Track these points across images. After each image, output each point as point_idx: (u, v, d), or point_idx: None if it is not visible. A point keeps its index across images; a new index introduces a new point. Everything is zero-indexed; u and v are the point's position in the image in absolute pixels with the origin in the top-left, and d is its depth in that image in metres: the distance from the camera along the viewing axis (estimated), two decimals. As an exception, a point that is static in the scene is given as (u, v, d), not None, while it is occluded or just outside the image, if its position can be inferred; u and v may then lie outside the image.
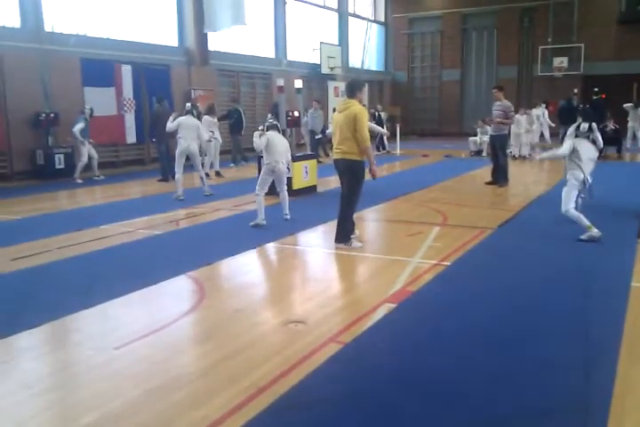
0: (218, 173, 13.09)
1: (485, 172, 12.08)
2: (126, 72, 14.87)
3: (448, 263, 5.70)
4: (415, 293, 4.84)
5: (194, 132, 9.67)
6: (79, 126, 12.21)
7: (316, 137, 16.03)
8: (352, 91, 6.20)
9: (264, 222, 7.52)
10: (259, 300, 4.96)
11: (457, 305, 4.62)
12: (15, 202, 10.02)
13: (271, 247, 6.66)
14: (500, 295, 4.83)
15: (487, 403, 3.09)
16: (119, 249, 6.58)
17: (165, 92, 15.05)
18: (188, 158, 9.82)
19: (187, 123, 9.61)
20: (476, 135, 17.77)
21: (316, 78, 22.61)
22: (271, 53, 20.91)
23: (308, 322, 4.21)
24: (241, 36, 18.72)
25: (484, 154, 16.52)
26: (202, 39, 16.89)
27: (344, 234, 6.46)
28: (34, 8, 12.77)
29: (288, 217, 7.90)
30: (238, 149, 15.35)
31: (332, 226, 7.76)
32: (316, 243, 7.13)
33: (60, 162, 12.75)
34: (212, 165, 13.13)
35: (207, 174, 12.61)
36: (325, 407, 3.07)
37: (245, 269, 5.89)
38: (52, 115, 12.69)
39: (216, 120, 13.20)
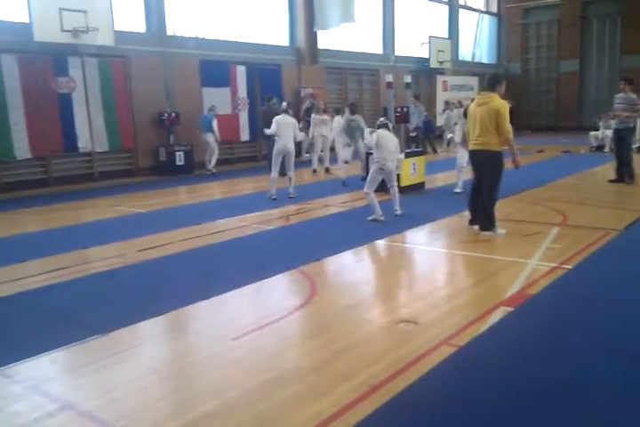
0: (327, 170, 13.20)
1: (608, 168, 11.28)
2: (241, 72, 15.45)
3: (569, 267, 5.38)
4: (534, 297, 4.62)
5: (290, 131, 9.51)
6: (215, 122, 13.25)
7: (411, 134, 15.79)
8: (493, 84, 6.45)
9: (382, 218, 7.62)
10: (369, 297, 4.96)
11: (580, 312, 4.34)
12: (140, 196, 10.75)
13: (380, 244, 6.63)
14: (630, 303, 4.48)
15: (615, 419, 2.88)
16: (234, 243, 6.85)
17: (276, 90, 15.46)
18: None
19: (283, 121, 9.49)
20: (597, 129, 16.64)
21: (424, 73, 22.23)
22: (379, 49, 20.83)
23: (420, 322, 4.14)
24: (349, 33, 18.79)
25: (607, 150, 15.43)
26: (312, 38, 17.17)
27: (489, 222, 6.65)
28: (157, 13, 13.61)
29: (399, 212, 7.88)
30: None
31: (441, 224, 7.63)
32: (425, 241, 7.02)
33: (180, 159, 13.55)
34: (321, 161, 13.32)
35: (315, 171, 12.85)
36: (438, 411, 3.01)
37: (355, 265, 5.91)
38: (174, 114, 13.50)
39: (324, 117, 13.28)
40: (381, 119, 8.29)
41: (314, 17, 16.78)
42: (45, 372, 3.60)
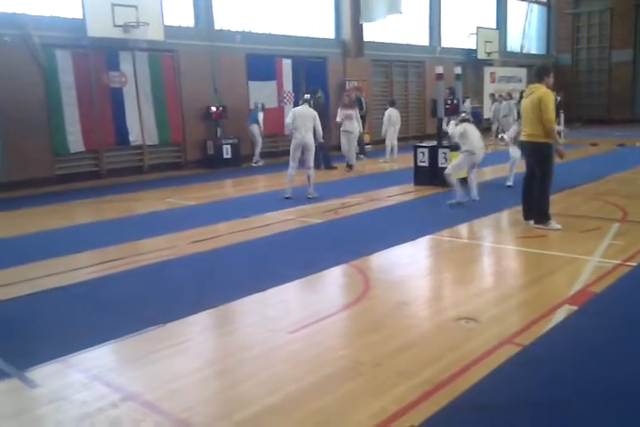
0: (350, 166, 12.67)
1: (669, 163, 10.80)
2: (286, 66, 15.44)
3: (634, 264, 5.15)
4: (599, 295, 4.43)
5: (310, 124, 8.90)
6: (262, 116, 13.52)
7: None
8: (539, 75, 6.42)
9: (465, 199, 8.01)
10: (425, 293, 4.87)
11: (649, 311, 4.15)
12: (189, 189, 10.87)
13: (432, 239, 6.51)
14: (703, 303, 4.26)
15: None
16: (283, 236, 6.84)
17: (322, 84, 15.40)
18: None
19: (302, 113, 8.93)
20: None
21: (471, 64, 21.76)
22: (424, 41, 20.49)
23: (480, 320, 4.03)
24: (394, 25, 18.53)
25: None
26: (357, 30, 17.01)
27: (542, 215, 6.55)
28: (206, 8, 13.71)
29: (477, 198, 8.23)
30: (361, 140, 15.31)
31: (494, 219, 7.46)
32: (479, 236, 6.86)
33: (227, 152, 13.67)
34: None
35: (351, 166, 12.51)
36: (502, 413, 2.91)
37: (407, 260, 5.81)
38: (221, 108, 13.60)
39: (349, 112, 12.57)
40: (462, 114, 8.54)
41: (359, 9, 16.61)
42: (107, 362, 3.66)
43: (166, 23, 12.46)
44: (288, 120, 9.01)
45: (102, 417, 2.93)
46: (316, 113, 9.14)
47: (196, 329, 4.18)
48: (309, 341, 3.81)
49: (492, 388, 3.14)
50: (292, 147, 9.06)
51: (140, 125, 12.65)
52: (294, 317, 4.24)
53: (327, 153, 12.91)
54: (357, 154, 15.01)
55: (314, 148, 9.14)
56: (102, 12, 11.35)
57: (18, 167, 10.84)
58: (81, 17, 11.29)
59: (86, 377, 3.37)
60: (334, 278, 5.31)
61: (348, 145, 12.62)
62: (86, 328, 4.14)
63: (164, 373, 3.43)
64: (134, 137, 12.63)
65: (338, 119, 12.72)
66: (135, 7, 11.70)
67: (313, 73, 16.04)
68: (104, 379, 3.34)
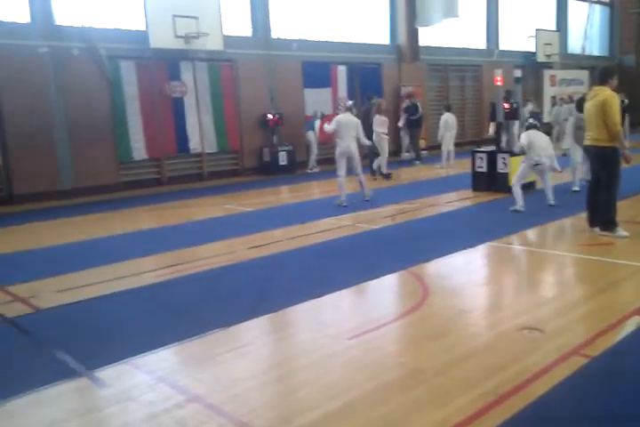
0: (381, 173, 12.17)
1: None
2: (342, 72, 15.52)
3: None
4: (672, 306, 4.23)
5: (352, 132, 8.81)
6: (318, 124, 13.64)
7: (489, 133, 15.04)
8: (603, 78, 6.26)
9: (523, 209, 7.83)
10: (486, 301, 4.76)
11: None
12: (246, 195, 11.06)
13: (494, 246, 6.37)
14: None
15: None
16: (340, 242, 6.85)
17: (376, 89, 15.38)
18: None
19: (345, 121, 8.82)
20: None
21: (531, 67, 21.24)
22: (482, 44, 20.15)
23: (545, 330, 3.91)
24: (450, 29, 18.32)
25: None
26: (413, 35, 16.92)
27: (608, 221, 6.36)
28: (263, 18, 13.96)
29: (553, 202, 8.09)
30: (416, 146, 15.13)
31: (558, 225, 7.23)
32: (542, 243, 6.68)
33: (283, 159, 13.84)
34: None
35: (389, 175, 12.07)
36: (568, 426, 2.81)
37: (468, 267, 5.70)
38: (277, 116, 13.79)
39: (384, 118, 11.99)
40: (530, 120, 8.46)
41: (415, 13, 16.52)
42: (171, 364, 3.76)
43: (225, 33, 12.75)
44: (330, 128, 8.98)
45: (168, 418, 3.00)
46: (359, 121, 9.07)
47: (256, 333, 4.23)
48: (368, 347, 3.80)
49: (558, 401, 3.04)
50: (336, 155, 9.06)
51: (200, 134, 12.99)
52: (352, 323, 4.24)
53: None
54: (414, 160, 14.95)
55: (358, 156, 9.03)
56: (164, 24, 11.73)
57: (86, 174, 11.32)
58: (144, 29, 11.71)
59: (152, 378, 3.47)
60: (392, 285, 5.28)
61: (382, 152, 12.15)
62: (151, 330, 4.27)
63: (226, 376, 3.49)
64: (194, 145, 12.97)
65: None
66: (196, 18, 12.04)
67: (368, 79, 16.05)
68: (169, 380, 3.43)
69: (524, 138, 7.98)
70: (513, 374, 3.28)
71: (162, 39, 11.75)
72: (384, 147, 11.68)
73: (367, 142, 9.30)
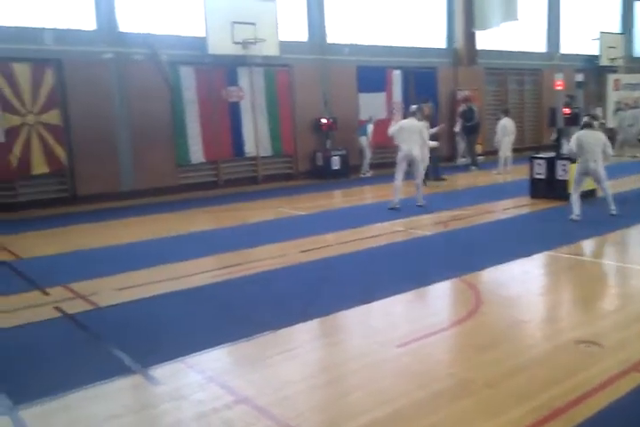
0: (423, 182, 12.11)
1: None
2: (396, 77, 15.43)
3: None
4: None
5: (415, 136, 8.86)
6: (371, 129, 13.66)
7: (551, 138, 14.47)
8: None
9: (579, 218, 7.57)
10: (541, 312, 4.62)
11: None
12: (299, 199, 11.13)
13: (552, 256, 6.18)
14: None
15: None
16: (392, 247, 6.80)
17: (431, 93, 15.21)
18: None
19: (408, 126, 8.90)
20: None
21: (593, 71, 20.51)
22: (542, 47, 19.62)
23: (604, 344, 3.76)
24: (509, 32, 17.92)
25: None
26: (470, 39, 16.65)
27: None
28: (319, 23, 14.06)
29: (614, 212, 7.73)
30: (472, 151, 14.79)
31: (620, 236, 6.95)
32: (603, 253, 6.44)
33: (336, 163, 13.87)
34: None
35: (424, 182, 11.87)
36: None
37: (523, 277, 5.54)
38: (331, 120, 13.85)
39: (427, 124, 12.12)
40: (585, 118, 8.02)
41: (473, 17, 16.26)
42: (222, 364, 3.82)
43: (281, 39, 12.91)
44: (391, 130, 9.05)
45: (216, 418, 3.06)
46: (422, 125, 9.12)
47: (306, 337, 4.26)
48: (418, 355, 3.75)
49: (615, 418, 2.92)
50: (397, 159, 9.14)
51: (255, 138, 13.18)
52: (403, 330, 4.20)
53: (437, 164, 12.70)
54: (470, 165, 14.67)
55: (420, 161, 9.11)
56: (223, 31, 11.98)
57: (146, 177, 11.69)
58: (203, 35, 11.99)
59: (203, 378, 3.54)
60: (444, 292, 5.20)
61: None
62: (204, 330, 4.35)
63: (275, 378, 3.52)
64: (249, 149, 13.18)
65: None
66: (253, 24, 12.25)
67: (423, 83, 15.89)
68: (219, 381, 3.49)
69: (573, 141, 7.64)
70: (568, 389, 3.17)
71: (220, 45, 12.01)
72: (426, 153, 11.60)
73: (433, 144, 9.40)
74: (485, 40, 17.40)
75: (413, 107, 9.54)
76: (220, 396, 3.30)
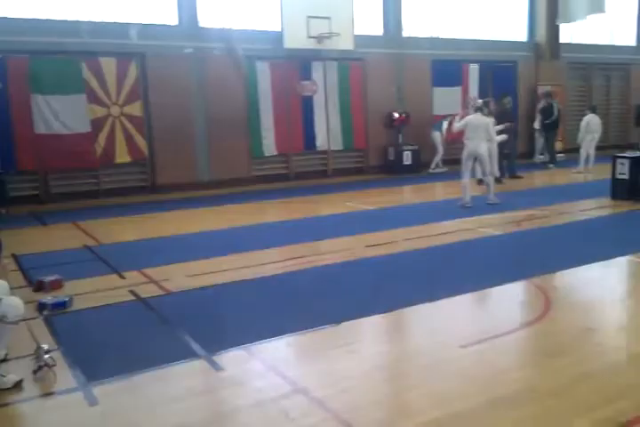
0: (480, 182, 11.07)
1: None
2: (473, 71, 15.05)
3: None
4: None
5: (482, 133, 8.63)
6: (446, 125, 13.42)
7: None
8: None
9: None
10: (616, 320, 4.41)
11: None
12: (368, 194, 11.11)
13: (631, 261, 5.86)
14: None
15: None
16: (459, 246, 6.67)
17: (510, 88, 14.75)
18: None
19: (474, 122, 8.68)
20: None
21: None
22: (631, 41, 18.52)
23: (683, 357, 3.55)
24: (595, 25, 17.02)
25: None
26: (553, 32, 15.97)
27: None
28: (395, 17, 13.90)
29: None
30: (551, 148, 14.12)
31: None
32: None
33: (407, 158, 13.73)
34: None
35: (498, 179, 11.15)
36: None
37: (598, 282, 5.30)
38: (404, 115, 13.71)
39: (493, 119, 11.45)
40: None
41: (557, 9, 15.58)
42: (283, 354, 3.91)
43: (356, 33, 12.87)
44: (458, 126, 8.91)
45: (274, 406, 3.12)
46: (489, 121, 8.93)
47: (367, 332, 4.27)
48: (481, 358, 3.68)
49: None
50: (463, 156, 8.94)
51: (327, 132, 13.25)
52: (466, 331, 4.12)
53: (512, 161, 12.31)
54: (547, 163, 14.11)
55: (487, 157, 8.90)
56: (298, 25, 12.08)
57: (221, 168, 12.02)
58: (279, 30, 12.15)
59: (264, 366, 3.63)
60: (512, 295, 5.05)
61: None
62: (267, 319, 4.44)
63: (334, 371, 3.56)
64: (320, 142, 13.27)
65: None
66: (329, 19, 12.28)
67: (501, 78, 15.42)
68: (279, 370, 3.56)
69: None
70: (636, 403, 3.02)
71: (295, 40, 12.12)
72: (494, 149, 11.23)
73: (501, 138, 9.17)
74: (569, 33, 16.63)
75: (479, 101, 9.31)
76: (279, 385, 3.37)
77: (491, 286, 5.09)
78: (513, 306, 4.78)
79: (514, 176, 12.10)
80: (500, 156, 11.28)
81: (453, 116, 12.86)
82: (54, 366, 3.55)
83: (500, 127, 10.69)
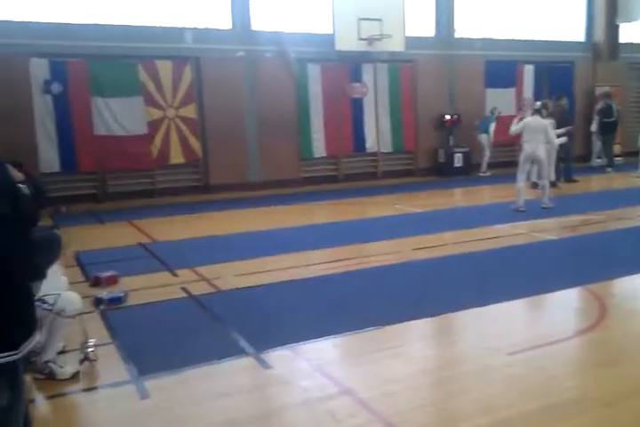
0: (535, 185, 10.61)
1: None
2: (528, 72, 14.73)
3: None
4: None
5: (540, 135, 8.46)
6: (493, 126, 13.17)
7: None
8: None
9: None
10: (675, 330, 4.23)
11: None
12: (417, 196, 11.03)
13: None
14: None
15: None
16: (510, 251, 6.53)
17: (567, 90, 14.33)
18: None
19: (532, 124, 8.52)
20: None
21: None
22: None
23: None
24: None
25: None
26: (612, 31, 15.46)
27: None
28: (447, 18, 13.75)
29: None
30: (609, 151, 13.56)
31: None
32: None
33: (458, 160, 13.56)
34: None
35: (553, 183, 10.79)
36: None
37: (657, 291, 5.12)
38: (455, 116, 13.53)
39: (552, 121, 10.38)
40: None
41: (616, 9, 15.07)
42: (329, 355, 3.92)
43: (407, 34, 12.79)
44: (515, 129, 8.73)
45: (320, 406, 3.15)
46: (547, 123, 8.72)
47: (414, 336, 4.24)
48: (530, 365, 3.60)
49: None
50: (520, 159, 8.78)
51: (377, 134, 13.24)
52: (516, 337, 4.04)
53: (569, 164, 11.95)
54: (605, 166, 13.64)
55: (546, 161, 8.72)
56: (350, 27, 12.11)
57: (270, 169, 12.19)
58: (330, 32, 12.20)
59: (310, 366, 3.66)
60: (565, 301, 4.91)
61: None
62: (313, 320, 4.48)
63: (379, 374, 3.55)
64: (370, 144, 13.26)
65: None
66: (380, 20, 12.26)
67: (557, 79, 15.02)
68: (325, 371, 3.58)
69: None
70: (699, 417, 2.90)
71: (346, 42, 12.15)
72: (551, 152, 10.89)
73: (561, 140, 9.03)
74: (629, 33, 16.04)
75: (538, 103, 9.05)
76: (325, 386, 3.40)
77: (543, 292, 4.97)
78: (566, 313, 4.65)
79: (570, 180, 11.75)
80: (557, 159, 11.00)
81: (505, 117, 12.61)
82: (95, 360, 3.69)
83: (561, 131, 10.41)
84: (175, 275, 5.84)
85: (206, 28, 11.55)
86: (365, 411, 3.09)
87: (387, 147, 13.46)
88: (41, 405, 3.35)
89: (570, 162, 11.98)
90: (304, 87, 12.41)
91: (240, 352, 3.87)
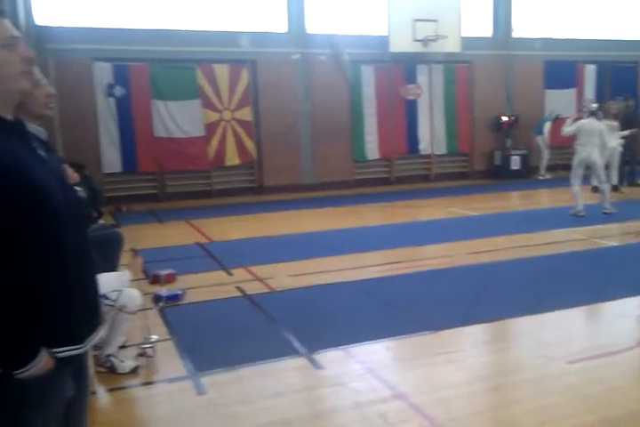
0: (595, 189, 10.28)
1: None
2: (590, 72, 14.27)
3: None
4: None
5: (596, 139, 8.13)
6: (548, 125, 12.86)
7: None
8: None
9: None
10: None
11: None
12: (471, 199, 10.85)
13: None
14: None
15: None
16: (570, 257, 6.35)
17: (632, 91, 13.75)
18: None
19: (588, 127, 8.18)
20: None
21: None
22: None
23: None
24: None
25: None
26: (683, 28, 14.75)
27: None
28: (505, 17, 13.47)
29: None
30: None
31: None
32: None
33: (515, 163, 13.25)
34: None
35: (615, 187, 10.46)
36: None
37: None
38: (513, 118, 13.23)
39: (614, 124, 10.29)
40: None
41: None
42: (381, 358, 3.92)
43: (463, 35, 12.61)
44: (568, 130, 8.40)
45: (372, 409, 3.15)
46: (603, 126, 8.36)
47: (468, 341, 4.18)
48: (590, 375, 3.49)
49: None
50: (574, 163, 8.45)
51: (431, 135, 13.11)
52: (575, 346, 3.92)
53: (634, 168, 11.48)
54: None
55: (601, 165, 8.37)
56: (404, 28, 12.06)
57: (324, 171, 12.27)
58: (385, 34, 12.16)
59: (363, 368, 3.66)
60: (627, 310, 4.73)
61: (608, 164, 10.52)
62: (366, 322, 4.47)
63: (432, 379, 3.52)
64: (424, 146, 13.14)
65: None
66: (435, 21, 12.14)
67: (621, 79, 14.48)
68: (377, 373, 3.58)
69: None
70: None
71: (401, 43, 12.10)
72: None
73: (615, 144, 8.76)
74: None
75: (594, 105, 8.73)
76: (378, 388, 3.39)
77: (603, 301, 4.80)
78: (628, 322, 4.48)
79: (633, 184, 11.29)
80: (621, 162, 10.61)
81: (564, 119, 12.22)
82: (151, 357, 3.80)
83: (625, 133, 10.03)
84: (230, 274, 5.96)
85: (263, 32, 11.73)
86: (419, 416, 3.07)
87: (441, 149, 13.31)
88: (102, 397, 3.49)
89: (634, 165, 11.52)
90: (358, 89, 12.42)
91: (293, 352, 3.92)
